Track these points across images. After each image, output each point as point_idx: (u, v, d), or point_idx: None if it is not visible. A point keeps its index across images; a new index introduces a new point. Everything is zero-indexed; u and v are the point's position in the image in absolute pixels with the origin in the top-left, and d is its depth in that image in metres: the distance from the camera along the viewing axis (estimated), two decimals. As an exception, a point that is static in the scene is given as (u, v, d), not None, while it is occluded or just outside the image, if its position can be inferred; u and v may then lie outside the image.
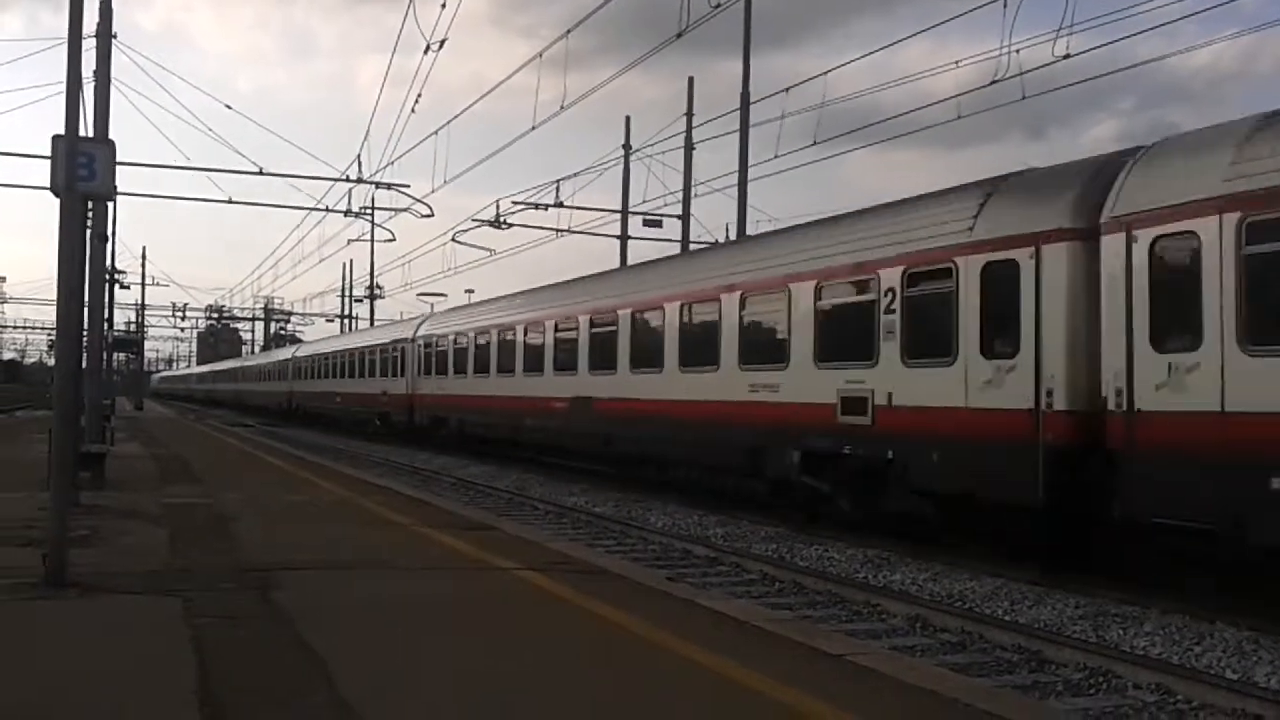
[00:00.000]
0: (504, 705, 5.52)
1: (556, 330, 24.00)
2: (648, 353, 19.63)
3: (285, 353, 65.13)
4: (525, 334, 25.84)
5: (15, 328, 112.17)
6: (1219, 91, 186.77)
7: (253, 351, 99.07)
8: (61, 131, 9.08)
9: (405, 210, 33.20)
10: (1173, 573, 10.69)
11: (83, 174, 10.36)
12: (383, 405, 38.05)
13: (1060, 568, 11.58)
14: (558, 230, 36.29)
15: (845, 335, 14.42)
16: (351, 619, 7.56)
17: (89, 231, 16.57)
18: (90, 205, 15.80)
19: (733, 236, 28.36)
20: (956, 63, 20.10)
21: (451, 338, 31.79)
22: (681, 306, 18.57)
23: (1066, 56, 16.70)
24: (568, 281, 26.07)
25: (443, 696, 5.68)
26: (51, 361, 28.20)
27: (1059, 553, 11.68)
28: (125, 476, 17.72)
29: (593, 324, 22.08)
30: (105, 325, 35.02)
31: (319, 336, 73.21)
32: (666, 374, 18.85)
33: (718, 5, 19.07)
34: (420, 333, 35.14)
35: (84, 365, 16.91)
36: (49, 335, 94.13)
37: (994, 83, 18.14)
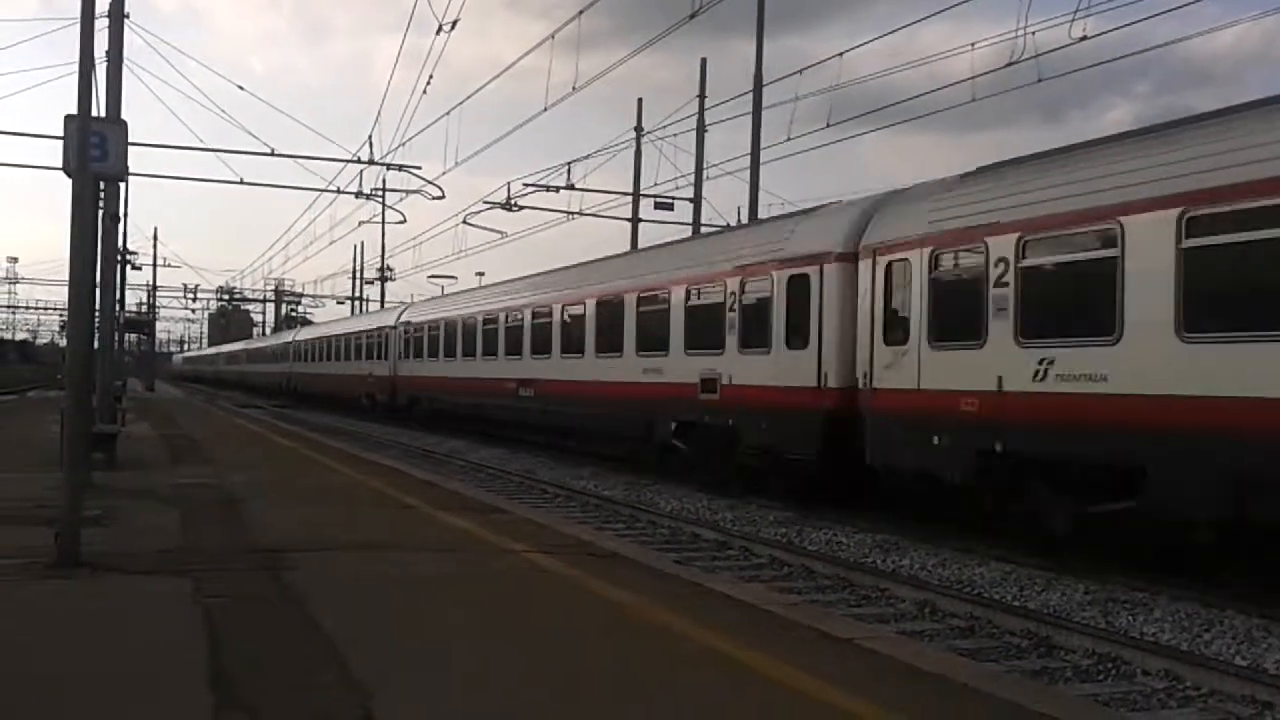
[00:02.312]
0: (514, 686, 5.54)
1: (506, 321, 27.36)
2: (573, 341, 23.00)
3: (287, 335, 68.11)
4: (482, 324, 29.22)
5: (27, 308, 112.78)
6: (1241, 74, 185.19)
7: (264, 333, 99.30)
8: (74, 112, 9.08)
9: (416, 192, 33.21)
10: (1184, 560, 10.70)
11: (95, 154, 10.38)
12: (370, 386, 41.03)
13: (833, 502, 15.39)
14: (569, 213, 36.29)
15: (705, 329, 17.85)
16: (363, 599, 7.59)
17: (101, 212, 16.59)
18: (102, 186, 15.84)
19: (744, 219, 28.28)
20: (972, 45, 19.96)
21: (426, 326, 35.21)
22: (597, 303, 22.04)
23: (1083, 38, 16.65)
24: (518, 278, 29.42)
25: (453, 676, 5.71)
26: (63, 342, 28.24)
27: (830, 487, 15.50)
28: (137, 457, 17.80)
29: (534, 315, 25.48)
30: (117, 306, 35.07)
31: (322, 320, 74.76)
32: (586, 359, 22.23)
33: (730, -14, 18.99)
34: (401, 320, 38.60)
35: (96, 346, 16.96)
36: (61, 316, 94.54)
37: (1010, 65, 18.08)
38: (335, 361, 47.96)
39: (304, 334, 61.25)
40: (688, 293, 18.37)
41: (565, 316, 23.73)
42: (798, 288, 15.40)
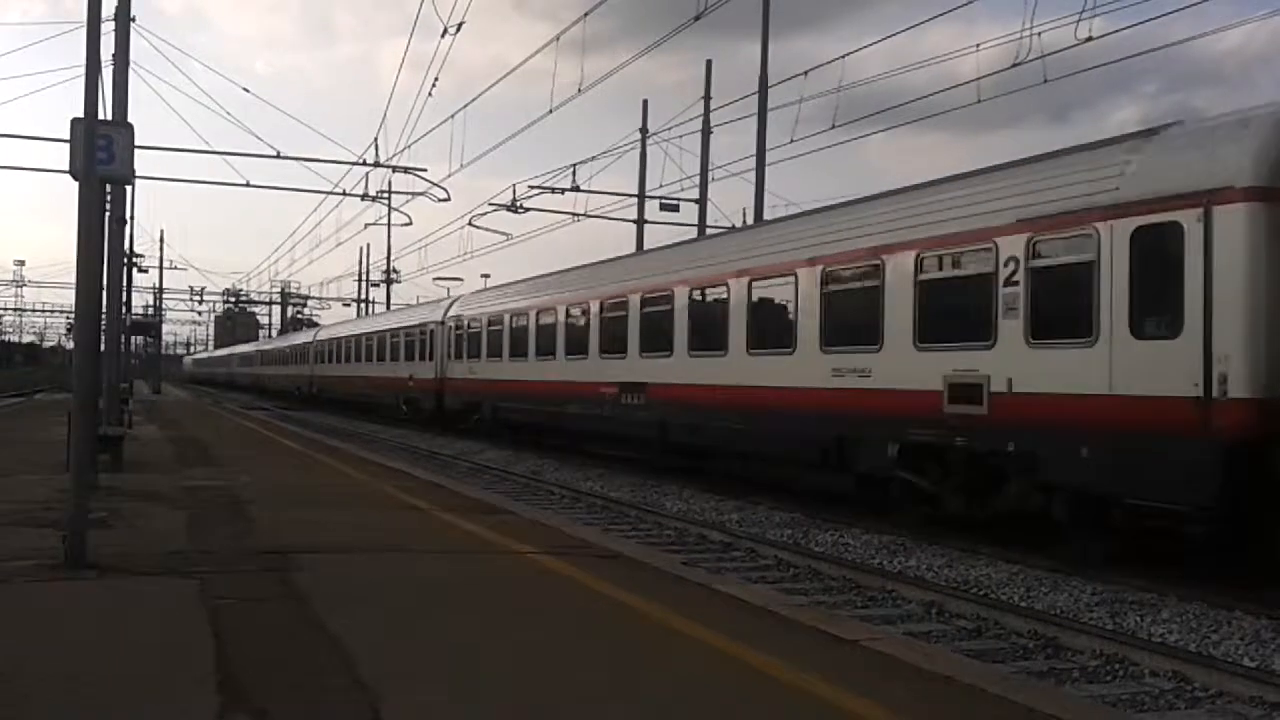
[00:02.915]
0: (521, 686, 5.54)
1: (602, 311, 22.59)
2: (709, 334, 18.78)
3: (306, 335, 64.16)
4: (565, 315, 24.46)
5: (34, 311, 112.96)
6: (1249, 74, 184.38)
7: (270, 336, 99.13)
8: (80, 115, 9.10)
9: (422, 194, 33.30)
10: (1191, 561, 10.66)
11: (101, 157, 10.36)
12: (409, 390, 36.79)
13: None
14: (574, 214, 36.31)
15: (955, 313, 13.72)
16: (369, 601, 7.59)
17: (108, 215, 16.63)
18: (109, 189, 15.86)
19: (750, 221, 28.27)
20: (978, 46, 19.92)
21: (485, 320, 30.02)
22: (750, 283, 18.08)
23: (1089, 39, 16.58)
24: (610, 260, 25.33)
25: (460, 677, 5.70)
26: (70, 345, 28.31)
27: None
28: (143, 459, 17.84)
29: (645, 303, 20.88)
30: (124, 308, 35.15)
31: (347, 318, 71.02)
32: (731, 356, 18.23)
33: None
34: (451, 314, 33.43)
35: (102, 349, 16.99)
36: (68, 318, 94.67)
37: (1015, 65, 18.03)
38: (366, 363, 43.65)
39: (328, 333, 57.01)
40: (919, 262, 13.46)
41: (695, 302, 19.13)
42: (1152, 244, 10.64)
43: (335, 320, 74.29)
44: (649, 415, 20.00)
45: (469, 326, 31.29)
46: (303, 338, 64.51)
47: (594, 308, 22.91)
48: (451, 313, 33.49)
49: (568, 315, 24.31)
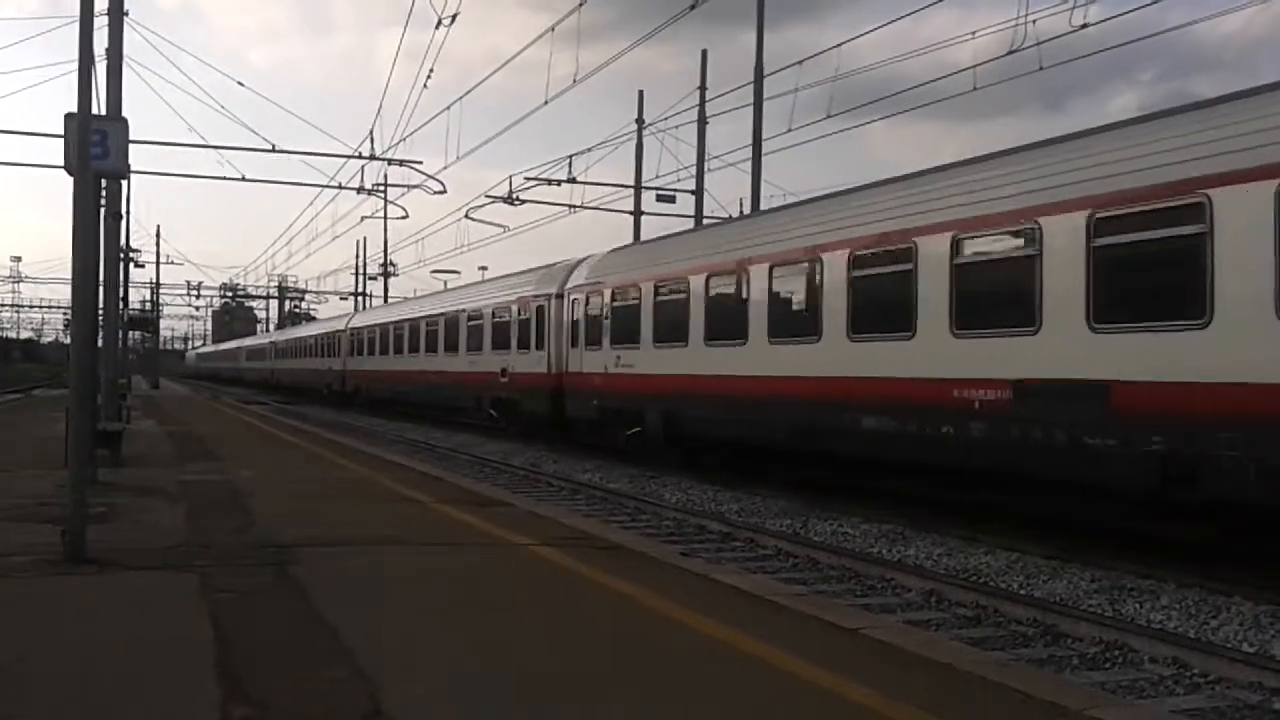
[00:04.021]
0: (520, 676, 5.54)
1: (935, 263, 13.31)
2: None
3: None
4: (852, 267, 14.74)
5: (31, 307, 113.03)
6: (1249, 58, 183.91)
7: (267, 329, 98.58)
8: (74, 110, 9.08)
9: (418, 187, 33.20)
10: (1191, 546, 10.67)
11: (96, 152, 10.36)
12: (501, 389, 27.79)
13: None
14: (571, 206, 36.30)
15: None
16: (368, 594, 7.60)
17: (103, 210, 16.60)
18: (104, 183, 15.84)
19: (747, 211, 28.23)
20: (973, 33, 19.93)
21: (648, 288, 20.38)
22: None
23: (1084, 26, 16.56)
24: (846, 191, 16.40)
25: (460, 669, 5.71)
26: (67, 340, 28.28)
27: None
28: (142, 454, 17.83)
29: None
30: (120, 304, 35.13)
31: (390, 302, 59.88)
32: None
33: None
34: (577, 283, 24.00)
35: (100, 344, 16.97)
36: (65, 314, 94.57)
37: (1010, 53, 18.01)
38: (426, 354, 35.32)
39: (369, 317, 47.78)
40: (606, 296, 11.54)
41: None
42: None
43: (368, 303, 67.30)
44: (1127, 448, 10.71)
45: (613, 299, 21.68)
46: (331, 324, 55.87)
47: (937, 248, 13.15)
48: (577, 281, 24.01)
49: (856, 267, 14.60)
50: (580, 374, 23.06)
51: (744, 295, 17.13)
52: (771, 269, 16.56)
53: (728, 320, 17.52)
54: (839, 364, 14.78)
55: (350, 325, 48.75)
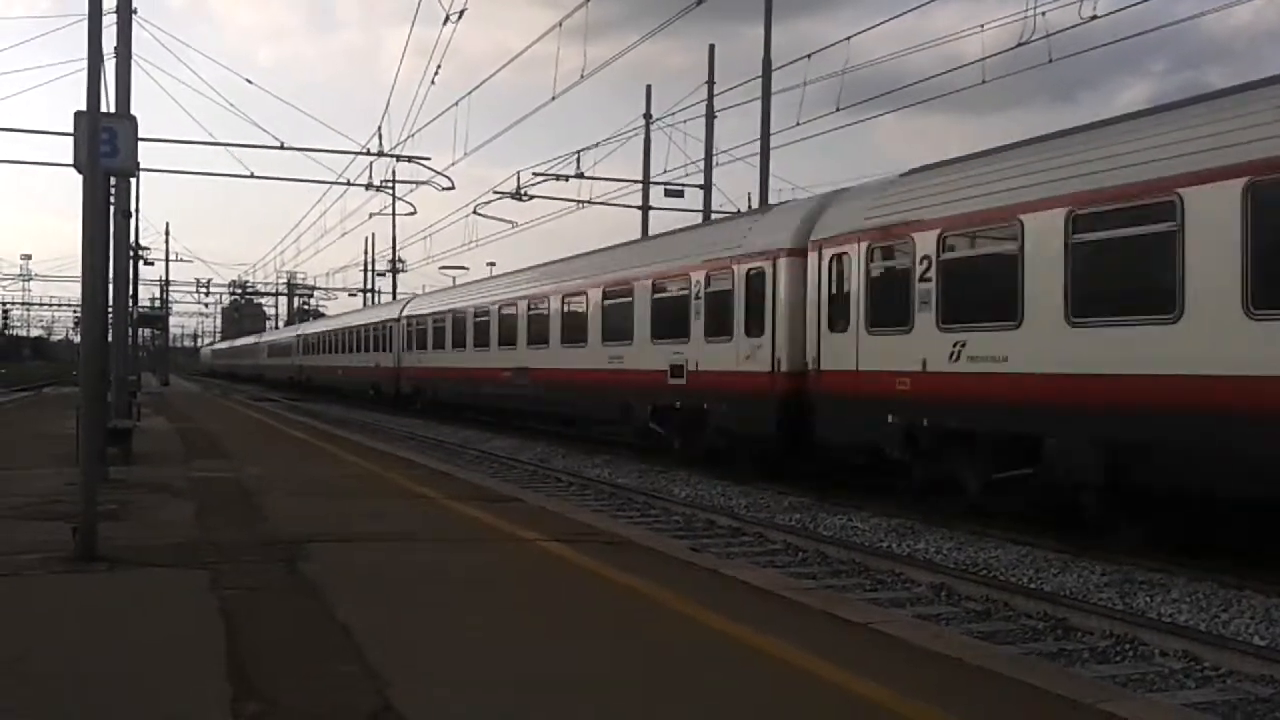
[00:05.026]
0: (530, 672, 5.55)
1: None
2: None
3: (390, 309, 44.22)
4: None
5: (41, 305, 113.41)
6: (1260, 49, 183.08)
7: (276, 326, 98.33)
8: (84, 108, 9.10)
9: (426, 183, 33.26)
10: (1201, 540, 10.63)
11: (105, 150, 10.39)
12: (661, 396, 19.72)
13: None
14: (579, 201, 36.25)
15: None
16: (378, 590, 7.61)
17: (112, 208, 16.63)
18: (113, 181, 15.87)
19: (755, 205, 28.19)
20: (982, 26, 19.85)
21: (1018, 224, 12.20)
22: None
23: (1093, 18, 16.50)
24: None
25: (469, 665, 5.71)
26: (77, 338, 28.36)
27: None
28: (152, 451, 17.88)
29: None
30: (130, 301, 35.17)
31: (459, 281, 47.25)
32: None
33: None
34: (834, 229, 15.60)
35: (109, 341, 17.01)
36: (75, 312, 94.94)
37: (1020, 45, 17.95)
38: (537, 348, 25.89)
39: (437, 301, 37.83)
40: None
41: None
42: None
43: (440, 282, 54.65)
44: None
45: (943, 248, 13.28)
46: (379, 313, 46.21)
47: None
48: (840, 226, 15.46)
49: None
50: (854, 373, 14.83)
51: (949, 277, 12.81)
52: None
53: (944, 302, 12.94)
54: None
55: (407, 313, 39.62)
